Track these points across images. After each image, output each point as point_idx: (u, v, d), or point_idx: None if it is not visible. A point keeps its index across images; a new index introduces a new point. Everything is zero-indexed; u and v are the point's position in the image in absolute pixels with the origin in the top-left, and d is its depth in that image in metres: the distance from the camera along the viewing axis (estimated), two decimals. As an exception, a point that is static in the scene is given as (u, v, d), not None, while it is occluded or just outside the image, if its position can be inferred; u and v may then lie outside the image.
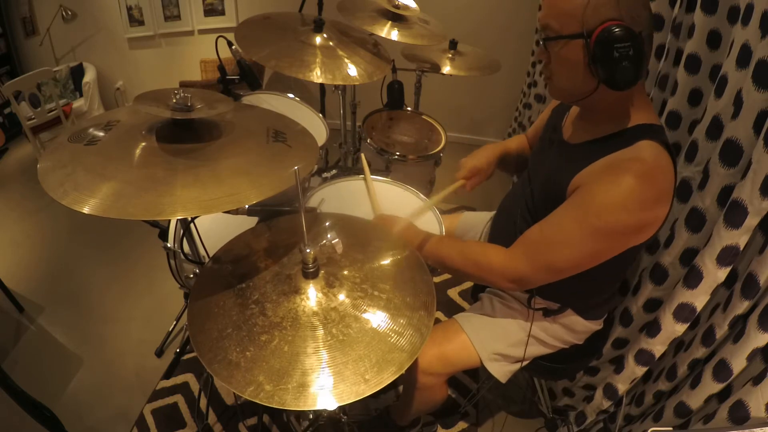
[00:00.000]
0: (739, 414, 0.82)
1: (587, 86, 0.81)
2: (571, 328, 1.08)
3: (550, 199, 0.89)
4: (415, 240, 1.02)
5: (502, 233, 0.96)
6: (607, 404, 1.25)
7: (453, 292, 2.03)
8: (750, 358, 0.84)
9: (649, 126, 0.84)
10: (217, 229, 1.10)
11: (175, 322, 1.81)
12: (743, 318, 0.88)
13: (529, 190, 1.02)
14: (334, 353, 0.67)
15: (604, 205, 0.78)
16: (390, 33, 1.53)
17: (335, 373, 0.64)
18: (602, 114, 0.87)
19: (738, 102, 0.84)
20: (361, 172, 1.36)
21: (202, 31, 3.39)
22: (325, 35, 1.37)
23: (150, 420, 1.50)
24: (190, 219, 1.01)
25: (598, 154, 0.83)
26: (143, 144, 0.79)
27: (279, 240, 0.90)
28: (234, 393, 1.50)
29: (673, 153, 0.83)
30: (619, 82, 0.77)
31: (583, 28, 0.76)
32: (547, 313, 1.06)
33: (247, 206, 0.92)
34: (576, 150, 0.92)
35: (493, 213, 1.27)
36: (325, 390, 0.63)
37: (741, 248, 0.85)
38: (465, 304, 1.97)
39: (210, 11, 3.32)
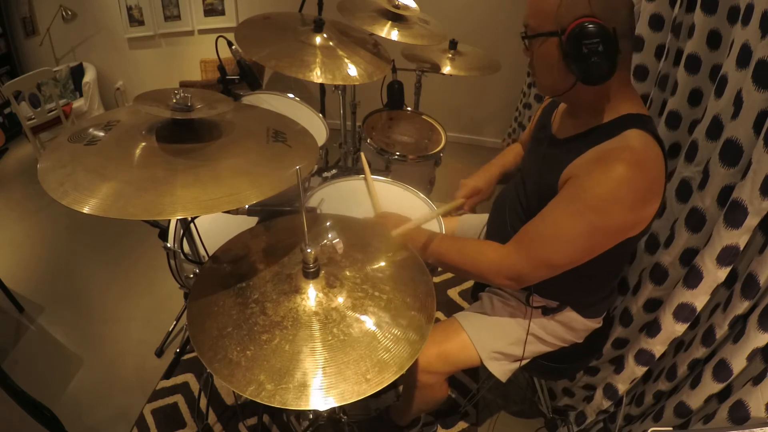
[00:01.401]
0: (739, 414, 0.82)
1: (566, 82, 0.82)
2: (570, 327, 1.08)
3: (542, 195, 0.89)
4: (415, 238, 1.02)
5: (497, 234, 0.96)
6: (607, 404, 1.25)
7: (453, 292, 2.03)
8: (750, 358, 0.84)
9: (636, 116, 0.84)
10: (217, 229, 1.09)
11: (175, 322, 1.81)
12: (743, 318, 0.88)
13: (522, 189, 1.02)
14: (335, 353, 0.67)
15: (596, 196, 0.78)
16: (390, 33, 1.53)
17: (336, 373, 0.64)
18: (588, 107, 0.88)
19: (738, 102, 0.84)
20: (361, 171, 1.36)
21: (202, 31, 3.39)
22: (325, 35, 1.37)
23: (150, 420, 1.50)
24: (190, 219, 1.01)
25: (586, 146, 0.83)
26: (143, 144, 0.79)
27: (279, 240, 0.90)
28: (234, 393, 1.51)
29: (662, 142, 0.83)
30: (592, 77, 0.78)
31: (557, 25, 0.78)
32: (546, 312, 1.06)
33: (247, 206, 0.92)
34: (565, 144, 0.92)
35: (491, 214, 1.28)
36: (326, 390, 0.63)
37: (741, 248, 0.85)
38: (465, 304, 1.97)
39: (210, 11, 3.32)
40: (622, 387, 1.18)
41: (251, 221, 0.99)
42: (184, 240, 1.05)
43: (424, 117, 1.79)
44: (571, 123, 0.94)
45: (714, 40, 1.00)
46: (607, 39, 0.75)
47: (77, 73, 3.41)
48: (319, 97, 2.21)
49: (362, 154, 1.44)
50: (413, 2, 1.65)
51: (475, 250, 0.97)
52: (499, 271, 0.91)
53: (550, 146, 0.97)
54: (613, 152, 0.79)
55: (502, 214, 1.11)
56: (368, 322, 0.72)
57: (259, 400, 0.61)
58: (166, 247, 1.22)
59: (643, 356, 1.10)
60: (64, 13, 3.21)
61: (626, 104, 0.85)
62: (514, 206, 1.04)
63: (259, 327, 0.70)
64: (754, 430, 0.78)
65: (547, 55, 0.82)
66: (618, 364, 1.19)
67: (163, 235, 1.27)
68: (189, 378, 1.63)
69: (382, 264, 0.85)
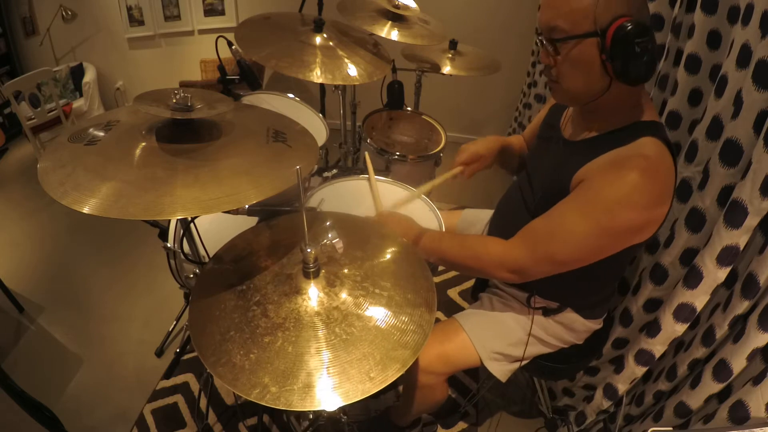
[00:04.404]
0: (739, 414, 0.82)
1: (600, 85, 0.81)
2: (570, 328, 1.08)
3: (551, 195, 0.89)
4: (417, 237, 1.02)
5: (501, 233, 0.96)
6: (607, 404, 1.25)
7: (453, 292, 2.03)
8: (750, 358, 0.84)
9: (651, 123, 0.84)
10: (217, 229, 1.10)
11: (175, 322, 1.81)
12: (743, 318, 0.88)
13: (528, 189, 1.02)
14: (338, 352, 0.67)
15: (609, 200, 0.79)
16: (390, 33, 1.53)
17: (340, 373, 0.64)
18: (605, 112, 0.88)
19: (738, 102, 0.84)
20: (361, 171, 1.36)
21: (202, 31, 3.39)
22: (325, 35, 1.37)
23: (150, 420, 1.50)
24: (190, 219, 1.01)
25: (600, 150, 0.83)
26: (143, 144, 0.79)
27: (279, 240, 0.90)
28: (234, 393, 1.51)
29: (674, 150, 0.83)
30: (637, 76, 0.77)
31: (596, 26, 0.76)
32: (547, 312, 1.06)
33: (247, 206, 0.92)
34: (578, 146, 0.92)
35: (493, 211, 1.27)
36: (330, 389, 0.63)
37: (741, 248, 0.85)
38: (465, 304, 1.97)
39: (210, 11, 3.32)
40: (622, 387, 1.18)
41: (251, 221, 0.99)
42: (184, 240, 1.05)
43: (424, 117, 1.78)
44: (583, 126, 0.93)
45: (714, 40, 1.00)
46: (652, 37, 0.75)
47: (77, 73, 3.41)
48: (319, 97, 2.21)
49: (366, 154, 1.44)
50: (413, 2, 1.65)
51: (478, 244, 0.97)
52: (502, 263, 0.91)
53: (562, 148, 0.97)
54: (628, 159, 0.79)
55: (506, 213, 1.10)
56: (370, 320, 0.72)
57: (264, 403, 0.61)
58: (166, 247, 1.22)
59: (643, 356, 1.10)
60: (64, 13, 3.21)
61: (642, 111, 0.85)
62: (519, 206, 1.04)
63: (262, 329, 0.70)
64: (754, 430, 0.78)
65: (583, 56, 0.80)
66: (618, 364, 1.19)
67: (163, 235, 1.27)
68: (189, 378, 1.63)
69: (382, 260, 0.86)
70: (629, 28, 0.74)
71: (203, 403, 1.54)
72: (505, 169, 1.32)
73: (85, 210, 0.63)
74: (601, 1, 0.75)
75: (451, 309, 1.93)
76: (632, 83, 0.78)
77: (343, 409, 1.26)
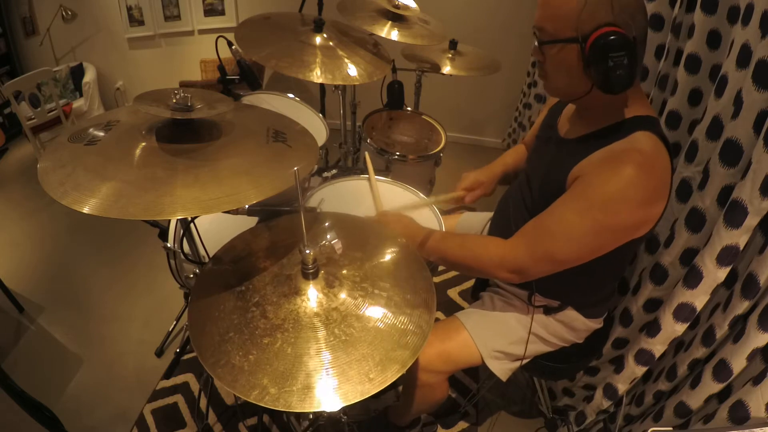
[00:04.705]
0: (739, 414, 0.82)
1: (582, 88, 0.82)
2: (571, 327, 1.08)
3: (549, 194, 0.89)
4: (417, 236, 1.02)
5: (501, 233, 0.96)
6: (607, 404, 1.25)
7: (453, 292, 2.03)
8: (750, 358, 0.84)
9: (644, 117, 0.84)
10: (216, 229, 1.10)
11: (175, 322, 1.81)
12: (743, 318, 0.88)
13: (527, 189, 1.03)
14: (337, 353, 0.67)
15: (604, 195, 0.79)
16: (390, 33, 1.53)
17: (339, 373, 0.65)
18: (598, 110, 0.88)
19: (738, 102, 0.84)
20: (361, 171, 1.36)
21: (202, 31, 3.39)
22: (325, 35, 1.37)
23: (150, 420, 1.50)
24: (190, 219, 1.01)
25: (595, 146, 0.84)
26: (143, 144, 0.79)
27: (278, 240, 0.90)
28: (234, 393, 1.51)
29: (669, 144, 0.83)
30: (613, 87, 0.78)
31: (578, 32, 0.77)
32: (548, 311, 1.06)
33: (247, 206, 0.92)
34: (573, 144, 0.92)
35: (492, 214, 1.28)
36: (330, 390, 0.63)
37: (741, 248, 0.85)
38: (465, 304, 1.97)
39: (210, 11, 3.32)
40: (622, 387, 1.18)
41: (251, 221, 0.99)
42: (184, 240, 1.05)
43: (424, 117, 1.79)
44: (579, 123, 0.94)
45: (714, 40, 1.00)
46: (631, 51, 0.74)
47: (77, 73, 3.41)
48: (319, 97, 2.21)
49: (366, 154, 1.44)
50: (413, 2, 1.65)
51: (478, 244, 0.98)
52: (501, 263, 0.91)
53: (558, 146, 0.97)
54: (622, 153, 0.79)
55: (506, 213, 1.11)
56: (369, 321, 0.72)
57: (263, 404, 0.61)
58: (166, 247, 1.22)
59: (643, 356, 1.10)
60: (64, 13, 3.21)
61: (635, 106, 0.85)
62: (518, 206, 1.04)
63: (261, 330, 0.70)
64: (754, 430, 0.78)
65: (565, 61, 0.81)
66: (618, 364, 1.19)
67: (163, 235, 1.27)
68: (189, 378, 1.63)
69: (381, 261, 0.86)
70: (608, 39, 0.74)
71: (203, 403, 1.54)
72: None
73: (85, 210, 0.63)
74: (587, 8, 0.75)
75: (451, 309, 1.92)
76: (609, 92, 0.79)
77: (342, 409, 1.26)
